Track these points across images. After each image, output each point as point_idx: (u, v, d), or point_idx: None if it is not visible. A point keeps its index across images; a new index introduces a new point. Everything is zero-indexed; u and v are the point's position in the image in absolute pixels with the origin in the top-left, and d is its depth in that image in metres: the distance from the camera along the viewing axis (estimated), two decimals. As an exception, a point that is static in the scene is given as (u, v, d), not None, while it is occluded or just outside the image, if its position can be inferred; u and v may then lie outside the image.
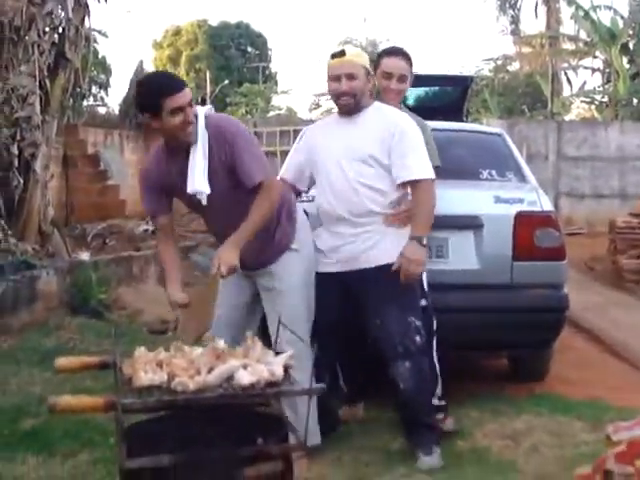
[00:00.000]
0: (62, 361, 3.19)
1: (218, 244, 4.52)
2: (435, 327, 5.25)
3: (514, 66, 41.72)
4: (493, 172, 6.43)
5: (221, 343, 2.95)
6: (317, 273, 4.82)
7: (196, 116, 4.24)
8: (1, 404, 5.74)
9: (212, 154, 4.27)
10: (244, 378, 2.71)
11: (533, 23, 67.42)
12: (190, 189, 4.26)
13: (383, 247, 4.74)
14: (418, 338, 4.74)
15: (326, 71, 4.83)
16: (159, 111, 4.10)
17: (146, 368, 2.80)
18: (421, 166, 4.75)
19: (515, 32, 39.53)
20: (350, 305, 4.82)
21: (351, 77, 4.70)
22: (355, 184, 4.73)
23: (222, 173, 4.31)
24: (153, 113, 4.14)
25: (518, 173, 6.54)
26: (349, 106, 4.80)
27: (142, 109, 4.23)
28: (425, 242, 4.77)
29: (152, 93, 4.17)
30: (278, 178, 5.05)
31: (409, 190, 4.81)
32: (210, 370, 2.78)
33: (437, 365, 5.25)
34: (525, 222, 5.82)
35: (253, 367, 2.75)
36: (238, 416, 3.00)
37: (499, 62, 41.11)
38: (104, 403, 2.68)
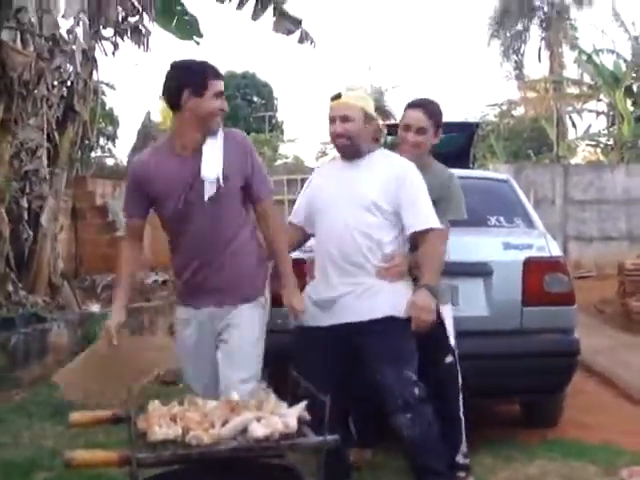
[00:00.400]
0: (76, 415, 3.20)
1: (189, 274, 4.37)
2: (461, 383, 5.16)
3: (519, 111, 41.98)
4: (501, 218, 6.45)
5: (235, 396, 2.96)
6: (311, 327, 4.68)
7: None
8: (14, 457, 5.73)
9: (227, 155, 4.25)
10: (258, 430, 2.71)
11: (537, 68, 67.57)
12: (206, 173, 4.16)
13: (379, 300, 4.62)
14: (417, 391, 4.58)
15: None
16: (204, 91, 4.12)
17: (160, 422, 2.80)
18: (432, 214, 4.68)
19: (519, 77, 39.82)
20: (350, 357, 4.71)
21: (345, 119, 4.64)
22: (353, 231, 4.61)
23: (231, 178, 4.25)
24: (197, 92, 4.12)
25: (526, 219, 6.55)
26: (345, 148, 4.73)
27: (185, 85, 4.13)
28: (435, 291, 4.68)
29: (202, 72, 4.17)
30: (287, 222, 5.07)
31: (405, 242, 4.76)
32: (224, 423, 2.78)
33: (463, 421, 5.16)
34: (534, 268, 5.84)
35: (267, 419, 2.76)
36: (252, 469, 3.00)
37: (504, 107, 41.31)
38: (119, 458, 2.68)
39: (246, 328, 4.30)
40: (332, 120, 4.69)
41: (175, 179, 4.22)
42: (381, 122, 4.99)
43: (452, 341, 5.11)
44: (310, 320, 4.66)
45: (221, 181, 4.17)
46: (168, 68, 4.30)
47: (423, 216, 4.66)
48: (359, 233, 4.61)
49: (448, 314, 5.13)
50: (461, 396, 5.16)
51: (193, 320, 4.40)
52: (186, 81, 4.14)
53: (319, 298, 4.71)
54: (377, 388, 4.63)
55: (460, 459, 5.11)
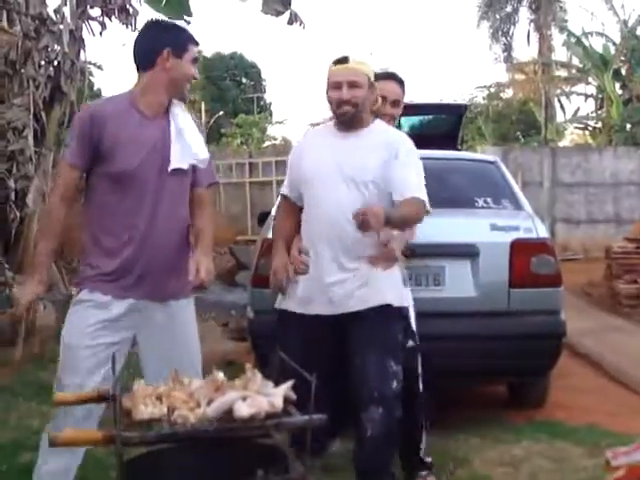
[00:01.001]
0: (60, 395, 3.19)
1: (127, 244, 3.85)
2: (420, 371, 4.95)
3: (507, 93, 41.92)
4: (488, 200, 6.47)
5: (220, 375, 2.95)
6: (302, 315, 4.44)
7: None
8: (0, 438, 5.73)
9: None
10: (243, 410, 2.71)
11: (525, 50, 67.68)
12: (197, 151, 3.92)
13: (374, 288, 4.36)
14: (395, 384, 4.34)
15: (326, 79, 4.45)
16: (184, 53, 3.90)
17: (146, 401, 2.79)
18: (423, 189, 4.38)
19: (508, 59, 39.73)
20: (334, 345, 4.43)
21: (354, 85, 4.33)
22: (348, 213, 4.14)
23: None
24: (178, 52, 3.88)
25: (513, 201, 6.57)
26: (348, 115, 4.39)
27: (166, 44, 3.87)
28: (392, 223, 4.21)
29: (184, 34, 4.00)
30: (280, 193, 4.78)
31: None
32: (209, 402, 2.78)
33: (423, 416, 4.99)
34: (521, 249, 5.86)
35: (253, 399, 2.75)
36: (238, 448, 3.00)
37: (492, 89, 41.23)
38: (103, 436, 2.67)
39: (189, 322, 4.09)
40: (337, 86, 4.36)
41: (136, 135, 3.86)
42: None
43: (413, 326, 4.90)
44: (297, 306, 4.47)
45: (206, 162, 4.00)
46: (146, 24, 4.13)
47: (414, 186, 4.34)
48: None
49: (409, 298, 4.84)
50: (421, 384, 4.97)
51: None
52: (168, 40, 3.90)
53: (309, 283, 4.43)
54: (353, 378, 4.36)
55: (424, 456, 4.98)
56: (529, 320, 5.95)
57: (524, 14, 39.04)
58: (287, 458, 2.96)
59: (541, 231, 6.04)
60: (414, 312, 4.91)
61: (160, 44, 3.88)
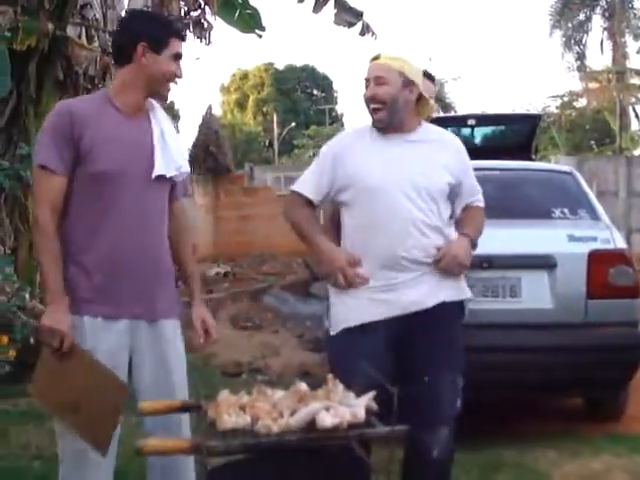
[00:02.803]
0: (145, 404, 3.24)
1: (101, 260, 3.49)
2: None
3: (581, 102, 41.51)
4: (565, 211, 6.43)
5: (303, 385, 2.98)
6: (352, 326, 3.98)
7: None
8: (80, 447, 5.82)
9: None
10: (326, 420, 2.73)
11: (599, 59, 66.99)
12: (178, 158, 3.62)
13: (434, 288, 3.99)
14: (459, 402, 4.03)
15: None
16: (163, 48, 3.54)
17: (229, 411, 2.83)
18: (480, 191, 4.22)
19: (581, 68, 39.39)
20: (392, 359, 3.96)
21: (380, 81, 3.95)
22: (420, 225, 3.93)
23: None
24: (155, 47, 3.53)
25: (590, 211, 6.53)
26: (379, 116, 3.99)
27: (143, 36, 3.53)
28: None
29: (165, 26, 3.63)
30: (294, 190, 4.21)
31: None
32: (293, 413, 2.81)
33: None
34: (599, 260, 5.81)
35: (335, 409, 2.77)
36: (320, 458, 3.02)
37: (566, 99, 40.89)
38: (190, 445, 2.72)
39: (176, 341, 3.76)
40: (367, 82, 4.02)
41: (115, 133, 3.52)
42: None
43: None
44: (358, 316, 4.01)
45: (187, 170, 3.72)
46: (125, 15, 3.90)
47: (476, 190, 4.20)
48: (425, 226, 3.94)
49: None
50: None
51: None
52: (145, 32, 3.54)
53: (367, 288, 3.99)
54: (420, 396, 3.87)
55: None
56: (607, 332, 5.90)
57: (597, 22, 38.84)
58: (369, 469, 2.98)
59: (619, 242, 6.00)
60: None
61: (136, 38, 3.53)
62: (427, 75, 4.69)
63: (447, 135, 4.28)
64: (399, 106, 3.97)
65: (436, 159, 4.04)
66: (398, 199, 3.93)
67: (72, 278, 3.47)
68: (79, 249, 3.49)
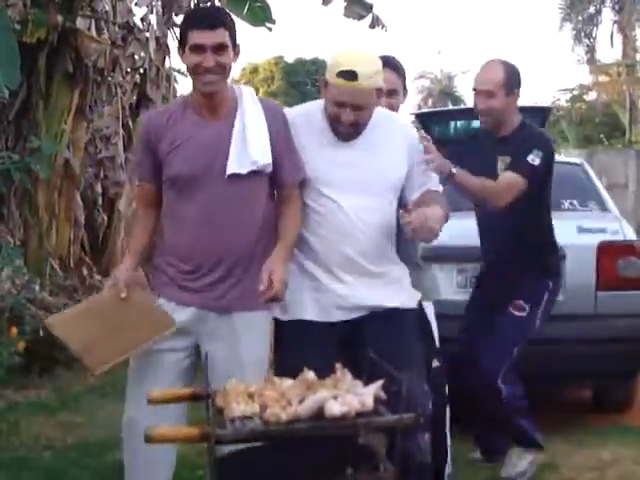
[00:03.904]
0: (155, 392, 3.25)
1: (194, 256, 3.68)
2: (447, 393, 4.53)
3: (591, 95, 41.40)
4: (575, 202, 6.44)
5: (311, 374, 2.99)
6: (308, 322, 3.86)
7: (239, 91, 3.71)
8: (89, 437, 5.86)
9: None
10: (335, 408, 2.73)
11: (609, 52, 66.77)
12: (256, 156, 3.57)
13: (393, 289, 3.93)
14: (430, 404, 3.90)
15: (327, 84, 3.80)
16: (185, 44, 3.53)
17: (238, 399, 2.84)
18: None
19: (591, 61, 39.27)
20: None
21: (359, 108, 3.72)
22: (371, 229, 3.83)
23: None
24: (181, 44, 3.58)
25: (600, 203, 6.53)
26: (350, 135, 3.82)
27: (179, 40, 3.65)
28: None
29: (184, 21, 3.71)
30: None
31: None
32: (301, 401, 2.81)
33: (449, 439, 4.56)
34: (608, 252, 5.82)
35: (343, 397, 2.78)
36: (328, 446, 3.03)
37: (575, 92, 40.77)
38: (199, 433, 2.72)
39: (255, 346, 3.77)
40: (340, 104, 3.71)
41: (190, 137, 3.62)
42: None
43: (437, 343, 4.49)
44: (307, 314, 3.89)
45: (269, 161, 3.64)
46: None
47: (433, 177, 3.99)
48: (379, 228, 3.86)
49: (431, 313, 4.47)
50: (448, 408, 4.56)
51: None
52: (180, 35, 3.67)
53: (322, 290, 3.87)
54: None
55: (447, 469, 4.53)
56: (616, 323, 5.90)
57: (607, 15, 38.69)
58: (377, 457, 2.99)
59: (628, 233, 5.99)
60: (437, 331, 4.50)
61: (179, 41, 3.66)
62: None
63: (399, 128, 4.06)
64: (370, 117, 3.84)
65: (386, 158, 3.90)
66: (342, 203, 3.79)
67: (158, 266, 3.82)
68: (166, 245, 3.81)
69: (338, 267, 3.83)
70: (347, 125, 3.76)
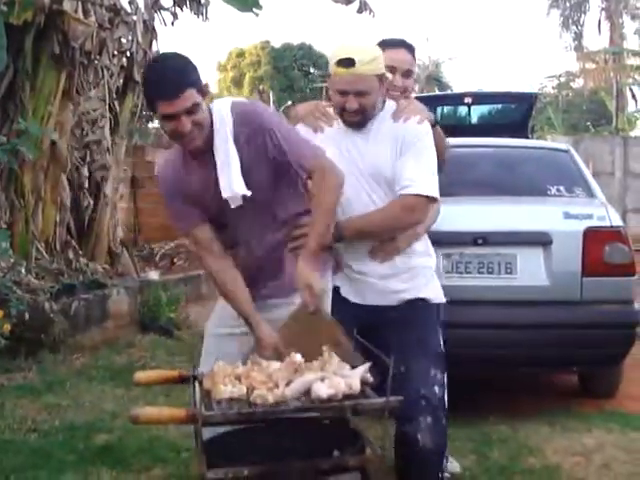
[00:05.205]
0: (141, 375, 3.25)
1: (242, 256, 3.70)
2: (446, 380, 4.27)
3: (578, 82, 41.43)
4: (561, 188, 6.43)
5: (298, 357, 2.99)
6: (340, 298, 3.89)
7: (211, 113, 3.52)
8: (75, 420, 5.84)
9: (244, 149, 3.52)
10: (321, 390, 2.75)
11: (596, 39, 66.90)
12: (227, 194, 3.51)
13: (415, 282, 3.96)
14: (437, 389, 3.86)
15: (331, 79, 3.87)
16: (155, 112, 3.43)
17: (225, 381, 2.85)
18: (422, 181, 3.83)
19: (578, 48, 39.29)
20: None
21: (361, 94, 3.77)
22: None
23: (259, 168, 3.55)
24: (150, 109, 3.50)
25: (586, 189, 6.53)
26: (356, 122, 3.88)
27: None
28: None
29: (146, 87, 3.57)
30: None
31: None
32: (288, 383, 2.82)
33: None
34: (594, 238, 5.81)
35: (330, 380, 2.79)
36: (315, 428, 3.04)
37: (562, 79, 40.82)
38: (186, 415, 2.73)
39: None
40: (342, 93, 3.79)
41: (196, 187, 3.61)
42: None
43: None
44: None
45: (246, 192, 3.51)
46: None
47: (416, 181, 3.83)
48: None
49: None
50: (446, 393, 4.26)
51: None
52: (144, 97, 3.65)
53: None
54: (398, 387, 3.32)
55: (447, 466, 4.40)
56: (602, 309, 5.90)
57: (595, 2, 38.78)
58: (363, 439, 3.00)
59: (614, 219, 5.98)
60: None
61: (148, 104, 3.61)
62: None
63: (403, 127, 3.96)
64: (375, 107, 3.89)
65: (383, 150, 3.91)
66: (355, 188, 3.86)
67: None
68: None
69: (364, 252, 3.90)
70: (352, 112, 3.80)
